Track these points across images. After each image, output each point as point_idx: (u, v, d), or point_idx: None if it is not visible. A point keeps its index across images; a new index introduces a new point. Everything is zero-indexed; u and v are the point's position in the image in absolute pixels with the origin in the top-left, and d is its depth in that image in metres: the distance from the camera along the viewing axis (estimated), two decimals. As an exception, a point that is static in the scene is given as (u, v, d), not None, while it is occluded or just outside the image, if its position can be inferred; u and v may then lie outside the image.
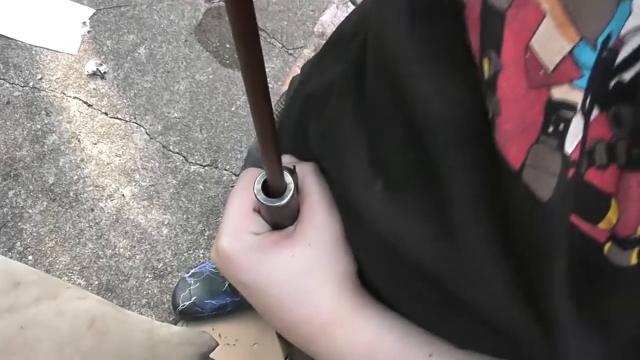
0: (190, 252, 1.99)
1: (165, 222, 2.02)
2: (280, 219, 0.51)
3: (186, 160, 2.11)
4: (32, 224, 1.99)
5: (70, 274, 1.94)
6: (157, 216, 2.03)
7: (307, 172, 0.52)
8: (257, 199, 0.46)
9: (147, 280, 1.95)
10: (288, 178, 0.47)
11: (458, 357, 0.46)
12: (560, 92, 0.30)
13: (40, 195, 2.03)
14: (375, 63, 0.45)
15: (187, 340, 1.00)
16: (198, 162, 2.11)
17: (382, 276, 0.49)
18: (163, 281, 1.95)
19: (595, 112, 0.30)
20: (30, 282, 1.04)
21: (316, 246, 0.49)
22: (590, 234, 0.32)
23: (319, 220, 0.49)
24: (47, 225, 2.00)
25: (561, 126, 0.30)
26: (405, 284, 0.46)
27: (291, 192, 0.46)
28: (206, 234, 2.01)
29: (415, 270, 0.42)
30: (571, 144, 0.30)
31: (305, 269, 0.48)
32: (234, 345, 1.86)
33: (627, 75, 0.28)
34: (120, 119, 2.17)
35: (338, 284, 0.49)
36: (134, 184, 2.07)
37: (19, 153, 2.08)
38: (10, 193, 2.02)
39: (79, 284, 1.93)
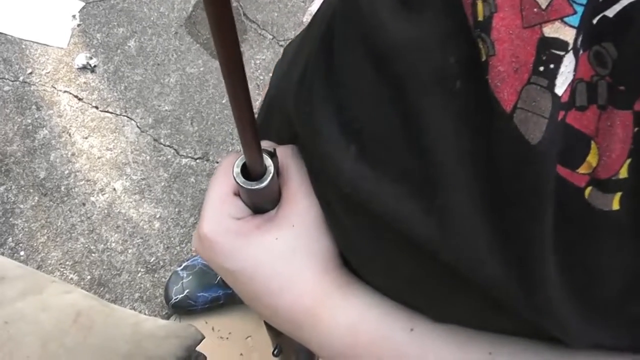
0: (183, 245, 1.98)
1: (157, 216, 2.01)
2: (261, 202, 0.50)
3: (177, 153, 2.10)
4: (23, 220, 1.98)
5: (62, 269, 1.93)
6: (148, 210, 2.02)
7: (287, 155, 0.52)
8: (237, 182, 0.46)
9: (139, 274, 1.94)
10: (268, 161, 0.46)
11: (438, 331, 0.45)
12: (551, 30, 0.30)
13: (31, 191, 2.02)
14: (346, 18, 0.45)
15: (173, 333, 0.99)
16: (189, 155, 2.10)
17: (360, 250, 0.49)
18: (155, 275, 1.94)
19: (580, 52, 0.30)
20: (15, 276, 1.03)
21: (299, 229, 0.49)
22: (570, 179, 0.31)
23: (301, 203, 0.49)
24: (39, 220, 1.99)
25: (551, 65, 0.30)
26: (383, 255, 0.45)
27: (271, 175, 0.46)
28: (198, 227, 2.00)
29: (394, 236, 0.42)
30: (562, 85, 0.30)
31: (288, 252, 0.48)
32: (227, 338, 1.86)
33: (612, 12, 0.28)
34: (111, 113, 2.15)
35: (321, 265, 0.49)
36: (125, 177, 2.06)
37: (10, 148, 2.07)
38: (1, 188, 2.01)
39: (71, 279, 1.92)
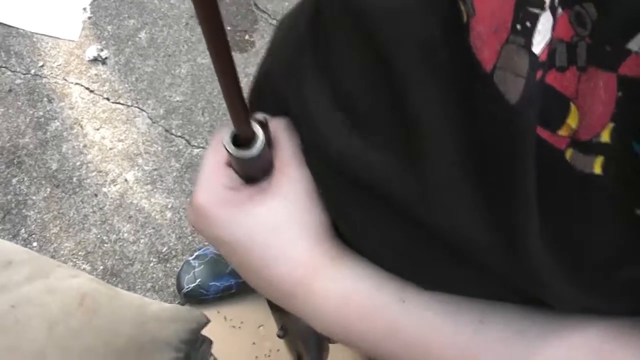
0: (194, 235, 1.98)
1: (169, 206, 2.01)
2: (253, 172, 0.50)
3: (189, 143, 2.10)
4: (36, 211, 1.99)
5: (75, 260, 1.94)
6: (160, 200, 2.02)
7: (280, 127, 0.52)
8: (227, 151, 0.46)
9: (151, 264, 1.95)
10: (258, 130, 0.46)
11: (429, 301, 0.45)
12: None
13: (43, 182, 2.03)
14: None
15: (178, 316, 0.99)
16: (201, 145, 2.10)
17: (351, 220, 0.49)
18: (167, 265, 1.94)
19: (559, 12, 0.29)
20: (22, 261, 1.03)
21: (291, 199, 0.49)
22: (550, 141, 0.31)
23: (293, 173, 0.49)
24: (51, 211, 1.99)
25: (528, 23, 0.30)
26: (374, 223, 0.45)
27: (261, 142, 0.46)
28: (209, 217, 2.00)
29: (383, 204, 0.42)
30: (539, 44, 0.30)
31: (281, 223, 0.48)
32: (239, 327, 1.86)
33: None
34: (122, 104, 2.16)
35: (314, 236, 0.49)
36: (137, 168, 2.07)
37: (22, 140, 2.08)
38: (14, 180, 2.02)
39: (84, 269, 1.92)
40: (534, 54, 0.30)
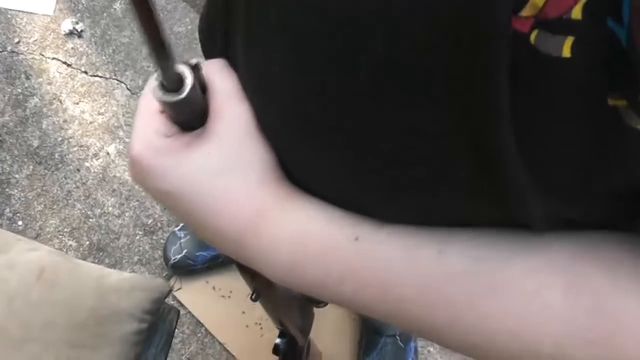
0: (179, 205, 1.96)
1: (152, 177, 1.99)
2: (187, 118, 0.48)
3: (169, 113, 2.07)
4: (19, 189, 1.97)
5: (60, 237, 1.92)
6: (143, 172, 2.00)
7: (214, 69, 0.49)
8: (155, 96, 0.43)
9: (137, 237, 1.93)
10: (186, 73, 0.44)
11: (384, 235, 0.43)
12: None
13: (25, 160, 2.01)
14: None
15: (139, 286, 0.97)
16: (181, 114, 2.07)
17: (297, 157, 0.47)
18: (154, 237, 1.93)
19: None
20: (-19, 237, 1.02)
21: (230, 141, 0.46)
22: (514, 25, 0.28)
23: (229, 114, 0.47)
24: (35, 189, 1.98)
25: None
26: (323, 158, 0.43)
27: (189, 86, 0.43)
28: (193, 186, 1.98)
29: (329, 132, 0.40)
30: None
31: (223, 166, 0.46)
32: (229, 297, 1.84)
33: None
34: (101, 77, 2.13)
35: (258, 177, 0.47)
36: (118, 141, 2.04)
37: (2, 119, 2.06)
38: (-5, 160, 2.00)
39: (70, 245, 1.91)
40: None
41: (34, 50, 2.16)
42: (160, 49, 0.39)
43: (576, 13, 0.26)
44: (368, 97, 0.36)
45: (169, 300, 1.69)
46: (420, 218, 0.42)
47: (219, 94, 0.48)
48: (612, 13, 0.25)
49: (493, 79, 0.29)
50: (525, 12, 0.27)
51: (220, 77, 0.48)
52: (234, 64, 0.50)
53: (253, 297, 0.86)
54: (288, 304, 0.88)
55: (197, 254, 1.81)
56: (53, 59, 2.15)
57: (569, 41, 0.27)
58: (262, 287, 0.81)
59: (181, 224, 1.86)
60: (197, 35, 2.10)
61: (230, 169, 0.46)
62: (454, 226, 0.41)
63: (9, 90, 2.09)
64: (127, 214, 1.95)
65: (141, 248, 1.92)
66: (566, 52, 0.27)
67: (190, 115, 0.48)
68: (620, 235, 0.37)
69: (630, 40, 0.25)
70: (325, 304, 0.96)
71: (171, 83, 0.43)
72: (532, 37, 0.27)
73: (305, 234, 0.46)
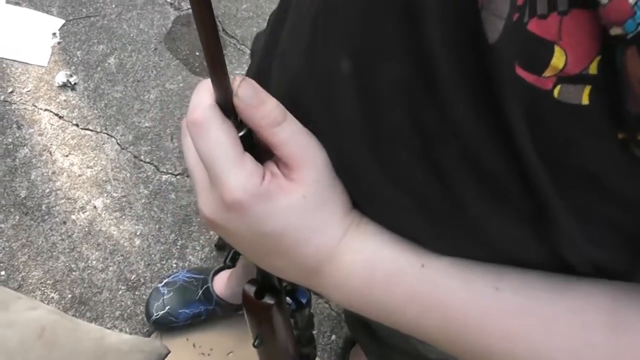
0: (163, 262, 1.97)
1: (138, 233, 2.00)
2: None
3: (158, 169, 2.09)
4: (4, 239, 1.97)
5: (43, 288, 1.92)
6: (129, 227, 2.01)
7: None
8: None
9: (120, 292, 1.93)
10: None
11: (446, 266, 0.46)
12: None
13: (12, 210, 2.01)
14: None
15: (137, 347, 0.99)
16: (170, 172, 2.09)
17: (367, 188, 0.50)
18: (136, 292, 1.93)
19: None
20: (-19, 293, 1.02)
21: (323, 182, 0.48)
22: (537, 84, 0.33)
23: (314, 157, 0.48)
24: (20, 239, 1.98)
25: None
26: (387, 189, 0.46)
27: (246, 128, 0.46)
28: (179, 244, 1.99)
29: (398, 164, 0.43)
30: None
31: (317, 205, 0.48)
32: (208, 355, 1.84)
33: None
34: (92, 130, 2.15)
35: (343, 209, 0.50)
36: (105, 195, 2.06)
37: (-10, 168, 2.06)
38: (-18, 208, 2.00)
39: (52, 297, 1.90)
40: None
41: (27, 101, 2.18)
42: (225, 86, 0.43)
43: (593, 68, 0.31)
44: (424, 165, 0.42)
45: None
46: (474, 255, 0.46)
47: (287, 147, 0.47)
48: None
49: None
50: (547, 72, 0.32)
51: (282, 130, 0.47)
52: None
53: (255, 343, 0.87)
54: (283, 357, 0.90)
55: (180, 311, 1.81)
56: (45, 110, 2.17)
57: (587, 89, 0.32)
58: (266, 334, 0.83)
59: (165, 280, 1.86)
60: (187, 92, 2.15)
61: (321, 207, 0.48)
62: (504, 263, 0.45)
63: (0, 139, 2.10)
64: (110, 269, 1.96)
65: (123, 303, 1.92)
66: (585, 100, 0.32)
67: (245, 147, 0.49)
68: None
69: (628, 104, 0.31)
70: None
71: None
72: (556, 92, 0.32)
73: (377, 259, 0.49)
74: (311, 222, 0.48)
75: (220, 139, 0.46)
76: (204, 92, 0.47)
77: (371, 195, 0.49)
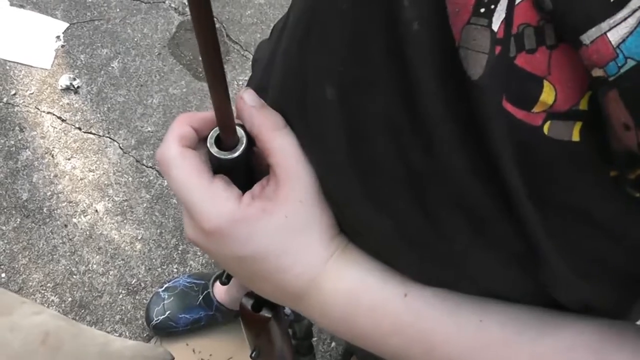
0: (164, 267, 1.97)
1: (139, 237, 2.00)
2: (233, 175, 0.50)
3: (160, 174, 2.09)
4: (5, 241, 1.97)
5: (43, 291, 1.92)
6: (130, 231, 2.01)
7: (269, 126, 0.50)
8: (211, 153, 0.46)
9: (120, 296, 1.93)
10: (240, 132, 0.47)
11: (429, 296, 0.46)
12: None
13: (13, 212, 2.01)
14: None
15: (140, 353, 0.99)
16: (172, 176, 2.09)
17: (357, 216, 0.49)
18: (137, 297, 1.93)
19: None
20: (-15, 297, 1.03)
21: (306, 203, 0.48)
22: (526, 120, 0.33)
23: (304, 178, 0.48)
24: (21, 242, 1.98)
25: (492, 6, 0.32)
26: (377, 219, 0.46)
27: (243, 145, 0.46)
28: (180, 249, 1.99)
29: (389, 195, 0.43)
30: (497, 21, 0.32)
31: (299, 228, 0.48)
32: (208, 360, 1.84)
33: None
34: (94, 134, 2.15)
35: (328, 234, 0.50)
36: (107, 199, 2.06)
37: (-8, 170, 2.06)
38: (-17, 210, 2.00)
39: (52, 300, 1.90)
40: (493, 31, 0.32)
41: (29, 103, 2.18)
42: (225, 104, 0.42)
43: (583, 104, 0.31)
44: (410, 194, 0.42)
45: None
46: (459, 287, 0.46)
47: (282, 154, 0.48)
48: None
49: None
50: (537, 108, 0.32)
51: (280, 136, 0.48)
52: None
53: (253, 355, 0.88)
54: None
55: (180, 316, 1.81)
56: (48, 113, 2.17)
57: (578, 126, 0.31)
58: (264, 346, 0.83)
59: (165, 285, 1.86)
60: (190, 97, 2.15)
61: (305, 230, 0.48)
62: (488, 296, 0.45)
63: (2, 141, 2.11)
64: (111, 273, 1.96)
65: (123, 307, 1.92)
66: (575, 136, 0.32)
67: (236, 171, 0.49)
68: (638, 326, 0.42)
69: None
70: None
71: (226, 141, 0.46)
72: (546, 128, 0.32)
73: (361, 287, 0.48)
74: (293, 243, 0.48)
75: (180, 177, 0.47)
76: (173, 128, 0.48)
77: (355, 221, 0.49)
